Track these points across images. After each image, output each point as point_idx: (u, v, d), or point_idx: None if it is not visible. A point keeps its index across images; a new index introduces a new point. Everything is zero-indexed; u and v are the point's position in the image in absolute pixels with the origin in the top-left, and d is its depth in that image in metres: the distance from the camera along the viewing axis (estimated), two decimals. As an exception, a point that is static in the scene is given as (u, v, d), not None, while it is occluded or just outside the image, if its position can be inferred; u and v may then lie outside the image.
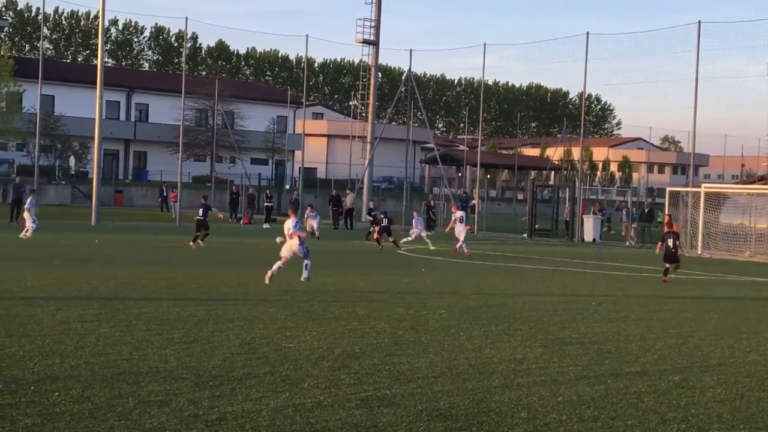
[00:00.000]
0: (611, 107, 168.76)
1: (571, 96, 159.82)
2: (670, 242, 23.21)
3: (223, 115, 71.35)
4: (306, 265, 18.17)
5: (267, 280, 17.78)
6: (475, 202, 52.80)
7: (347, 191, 50.01)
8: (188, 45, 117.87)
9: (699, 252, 36.18)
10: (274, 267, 17.99)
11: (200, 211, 29.53)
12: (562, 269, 26.50)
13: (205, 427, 7.53)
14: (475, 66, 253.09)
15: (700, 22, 43.02)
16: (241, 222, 48.18)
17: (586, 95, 73.31)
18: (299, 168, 64.50)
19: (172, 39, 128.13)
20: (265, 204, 49.50)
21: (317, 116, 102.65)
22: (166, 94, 74.49)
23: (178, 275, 19.62)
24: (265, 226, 43.73)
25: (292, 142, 78.64)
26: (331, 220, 47.41)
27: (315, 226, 36.52)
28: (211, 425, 7.59)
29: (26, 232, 30.09)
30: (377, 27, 56.22)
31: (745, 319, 16.14)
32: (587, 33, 45.85)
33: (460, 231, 30.98)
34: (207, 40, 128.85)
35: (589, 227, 44.36)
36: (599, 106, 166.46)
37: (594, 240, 43.55)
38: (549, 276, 24.14)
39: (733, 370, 10.99)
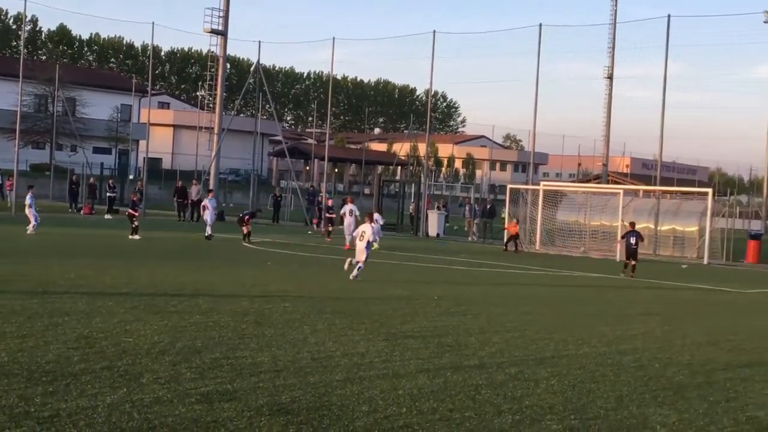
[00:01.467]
0: (456, 105, 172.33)
1: (418, 93, 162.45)
2: (632, 240, 25.76)
3: (64, 102, 68.89)
4: (360, 267, 20.09)
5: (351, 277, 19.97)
6: (322, 196, 52.82)
7: (193, 182, 49.22)
8: (27, 28, 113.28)
9: (537, 248, 37.36)
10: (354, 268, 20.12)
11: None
12: (407, 263, 26.87)
13: (37, 425, 7.27)
14: (324, 60, 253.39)
15: (541, 24, 44.50)
16: (82, 212, 46.79)
17: (433, 92, 74.52)
18: (144, 158, 62.97)
19: (11, 21, 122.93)
20: (108, 194, 48.21)
21: (163, 106, 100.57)
22: (3, 78, 71.33)
23: (13, 267, 18.85)
24: (107, 216, 42.59)
25: (136, 132, 76.71)
26: (176, 211, 46.62)
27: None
28: (43, 422, 7.34)
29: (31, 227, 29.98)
30: (226, 17, 55.51)
31: (578, 313, 16.78)
32: (434, 31, 46.68)
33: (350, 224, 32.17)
34: (48, 24, 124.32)
35: (434, 222, 45.16)
36: (445, 104, 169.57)
37: (438, 235, 44.37)
38: (394, 270, 24.42)
39: (565, 363, 11.41)
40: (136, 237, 29.55)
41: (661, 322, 15.96)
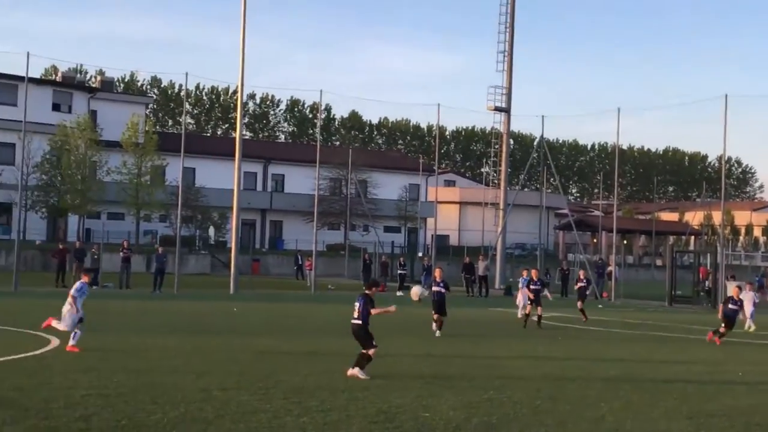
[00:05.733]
0: (753, 170, 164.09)
1: (709, 159, 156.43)
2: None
3: (357, 184, 72.36)
4: None
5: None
6: (611, 268, 51.74)
7: (480, 258, 49.81)
8: (322, 116, 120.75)
9: None
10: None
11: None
12: (703, 338, 25.51)
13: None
14: (607, 131, 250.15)
15: None
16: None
17: (726, 158, 71.24)
18: (432, 235, 64.64)
19: (307, 111, 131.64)
20: (398, 272, 49.75)
21: (449, 183, 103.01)
22: (301, 164, 76.21)
23: (318, 346, 19.80)
24: (399, 293, 43.85)
25: (424, 210, 79.03)
26: (464, 286, 47.25)
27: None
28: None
29: None
30: (509, 94, 56.37)
31: None
32: (726, 95, 44.81)
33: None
34: (340, 111, 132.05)
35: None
36: (740, 169, 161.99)
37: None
38: (688, 345, 23.29)
39: None
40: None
41: None
